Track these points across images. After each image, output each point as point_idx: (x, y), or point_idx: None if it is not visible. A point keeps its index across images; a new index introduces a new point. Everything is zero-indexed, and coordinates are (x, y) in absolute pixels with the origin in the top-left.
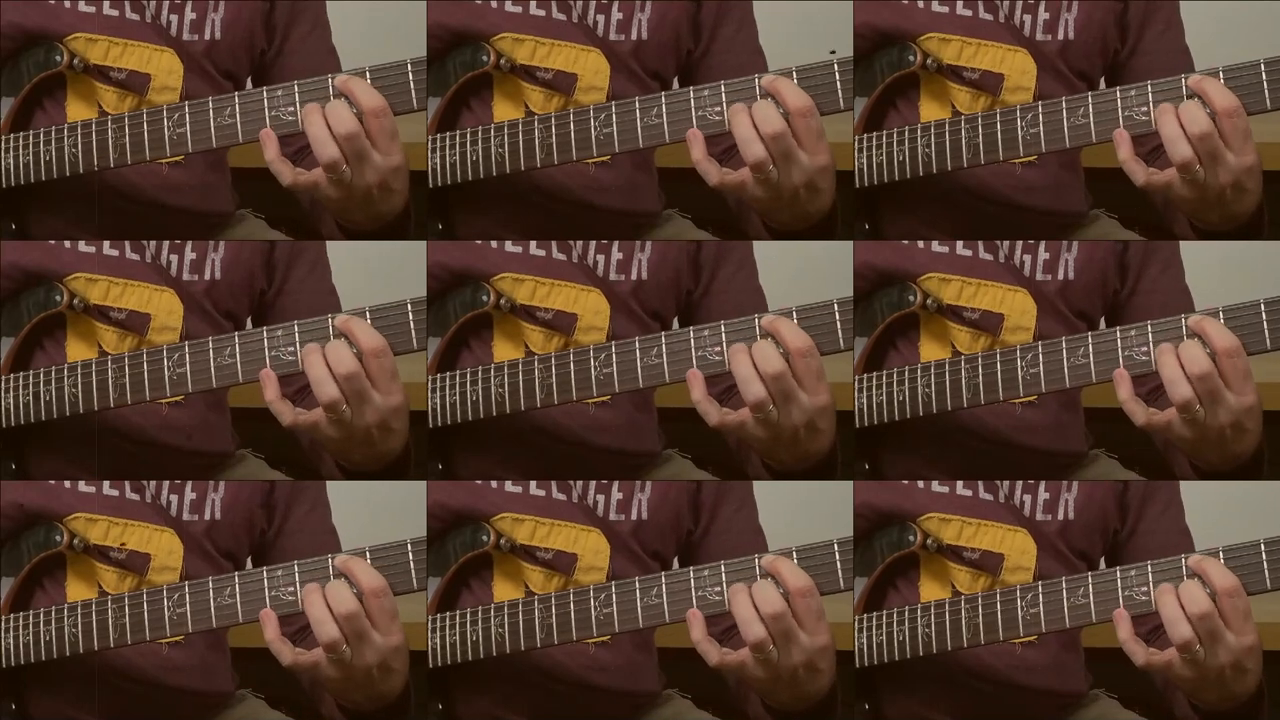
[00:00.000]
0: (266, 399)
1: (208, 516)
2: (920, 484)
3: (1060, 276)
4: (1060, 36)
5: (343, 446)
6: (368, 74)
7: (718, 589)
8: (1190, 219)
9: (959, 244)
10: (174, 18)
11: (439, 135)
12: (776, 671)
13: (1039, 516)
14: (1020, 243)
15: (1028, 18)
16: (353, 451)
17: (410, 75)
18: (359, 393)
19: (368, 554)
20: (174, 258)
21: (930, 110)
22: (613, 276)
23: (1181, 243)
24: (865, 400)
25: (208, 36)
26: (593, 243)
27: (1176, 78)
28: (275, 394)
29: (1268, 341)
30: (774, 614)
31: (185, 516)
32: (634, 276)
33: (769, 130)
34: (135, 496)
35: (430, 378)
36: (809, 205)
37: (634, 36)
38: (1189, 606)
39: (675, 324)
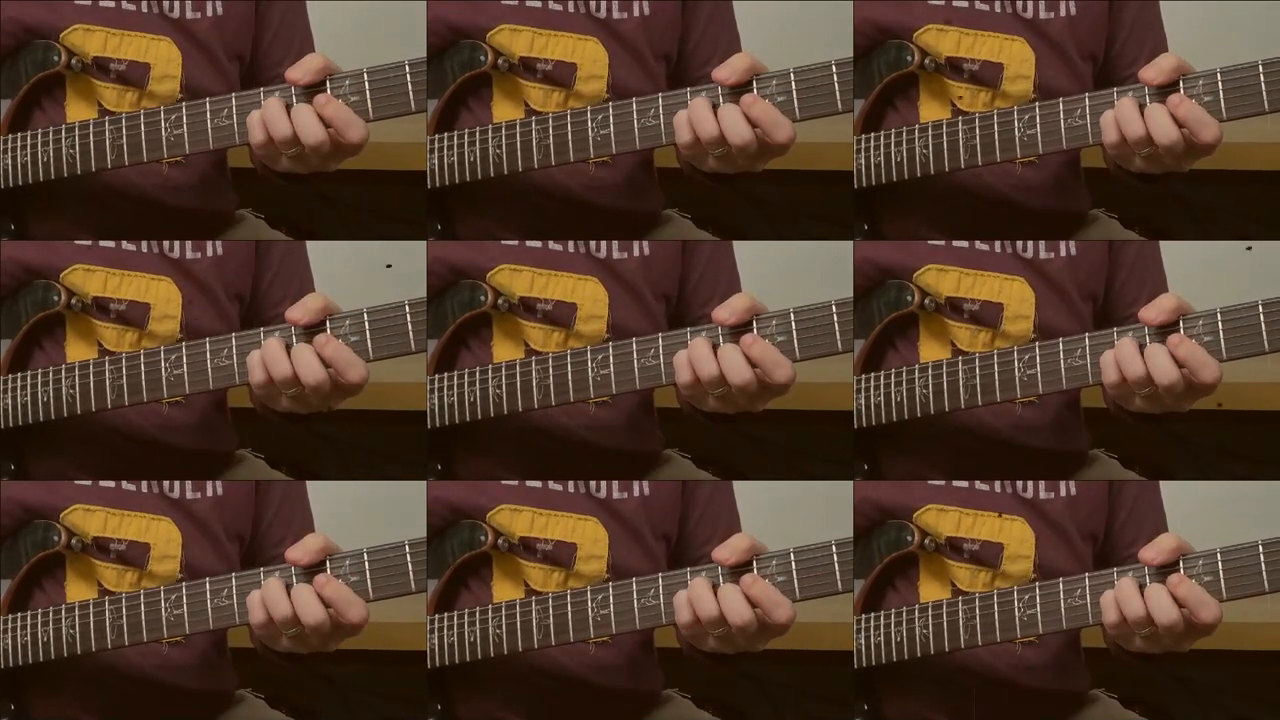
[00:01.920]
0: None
1: (207, 504)
2: None
3: (1060, 264)
4: (1064, 14)
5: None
6: (365, 76)
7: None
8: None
9: None
10: (176, 4)
11: (437, 136)
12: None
13: (1042, 495)
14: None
15: (1030, 1)
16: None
17: (409, 77)
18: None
19: (365, 556)
20: (176, 243)
21: (930, 110)
22: (614, 258)
23: (1168, 244)
24: (864, 401)
25: (210, 14)
26: None
27: (1174, 81)
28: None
29: (1265, 343)
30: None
31: (188, 495)
32: (633, 264)
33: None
34: (132, 487)
35: (429, 378)
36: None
37: (637, 14)
38: (1158, 617)
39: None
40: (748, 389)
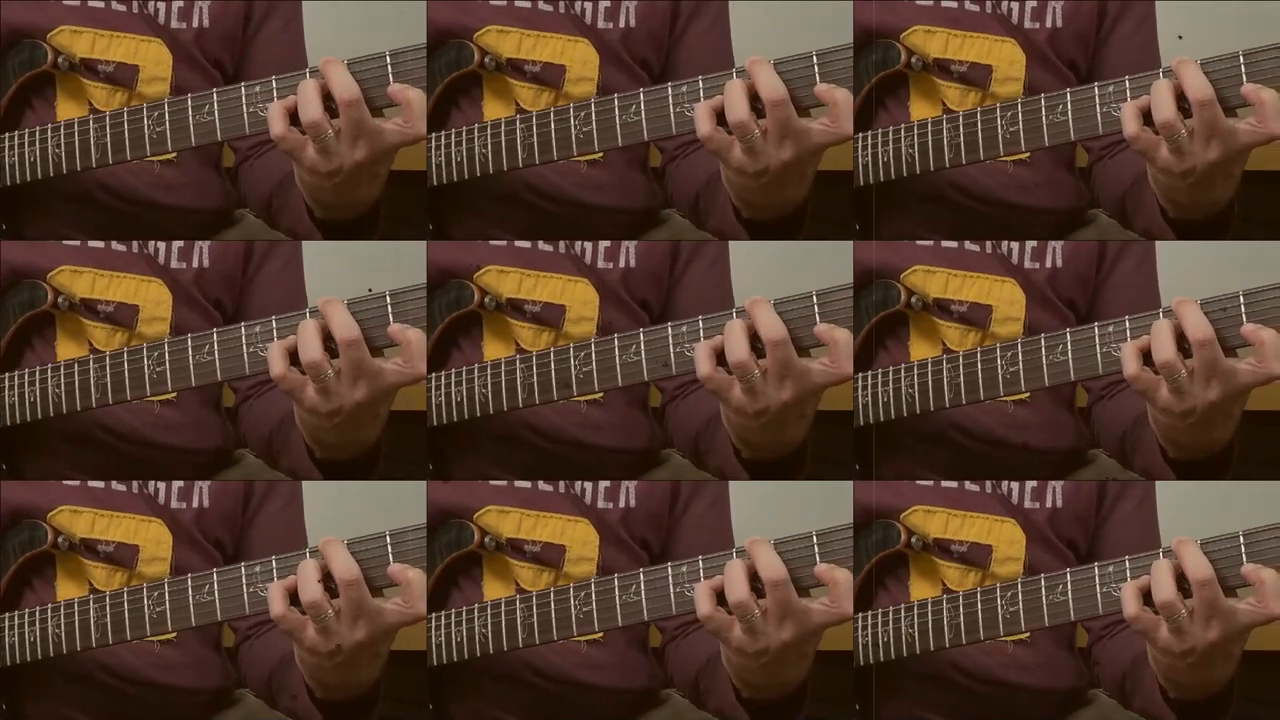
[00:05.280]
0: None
1: (195, 504)
2: None
3: (1049, 264)
4: (1049, 24)
5: (321, 423)
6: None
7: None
8: (1163, 200)
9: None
10: (161, 6)
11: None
12: (765, 644)
13: (1027, 504)
14: None
15: (1015, 6)
16: (327, 433)
17: (389, 69)
18: (357, 363)
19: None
20: (161, 246)
21: (920, 109)
22: (601, 264)
23: (1158, 243)
24: (852, 401)
25: (195, 24)
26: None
27: (1154, 72)
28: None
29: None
30: (776, 580)
31: (174, 504)
32: (622, 264)
33: (773, 97)
34: (121, 488)
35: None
36: (783, 192)
37: (622, 24)
38: (1192, 573)
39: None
40: (782, 347)
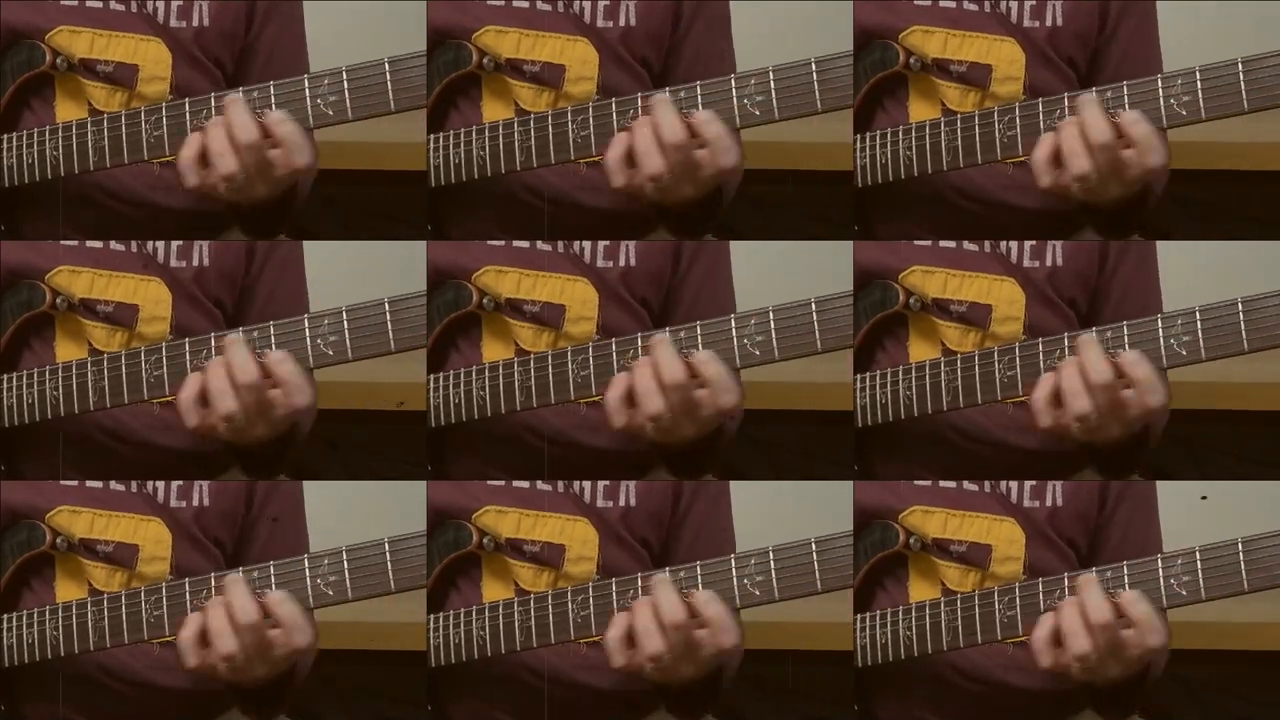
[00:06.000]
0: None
1: (195, 503)
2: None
3: (1048, 263)
4: (1048, 23)
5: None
6: (344, 73)
7: (694, 590)
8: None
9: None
10: (160, 5)
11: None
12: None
13: (1026, 503)
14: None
15: (1014, 5)
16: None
17: (389, 75)
18: (258, 405)
19: (344, 553)
20: (160, 245)
21: (919, 110)
22: (600, 263)
23: (1158, 243)
24: (851, 402)
25: (195, 23)
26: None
27: (1153, 78)
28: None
29: (1245, 344)
30: (676, 623)
31: (173, 503)
32: (621, 263)
33: (671, 140)
34: (120, 487)
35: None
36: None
37: (621, 23)
38: (1091, 615)
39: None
40: (681, 391)
